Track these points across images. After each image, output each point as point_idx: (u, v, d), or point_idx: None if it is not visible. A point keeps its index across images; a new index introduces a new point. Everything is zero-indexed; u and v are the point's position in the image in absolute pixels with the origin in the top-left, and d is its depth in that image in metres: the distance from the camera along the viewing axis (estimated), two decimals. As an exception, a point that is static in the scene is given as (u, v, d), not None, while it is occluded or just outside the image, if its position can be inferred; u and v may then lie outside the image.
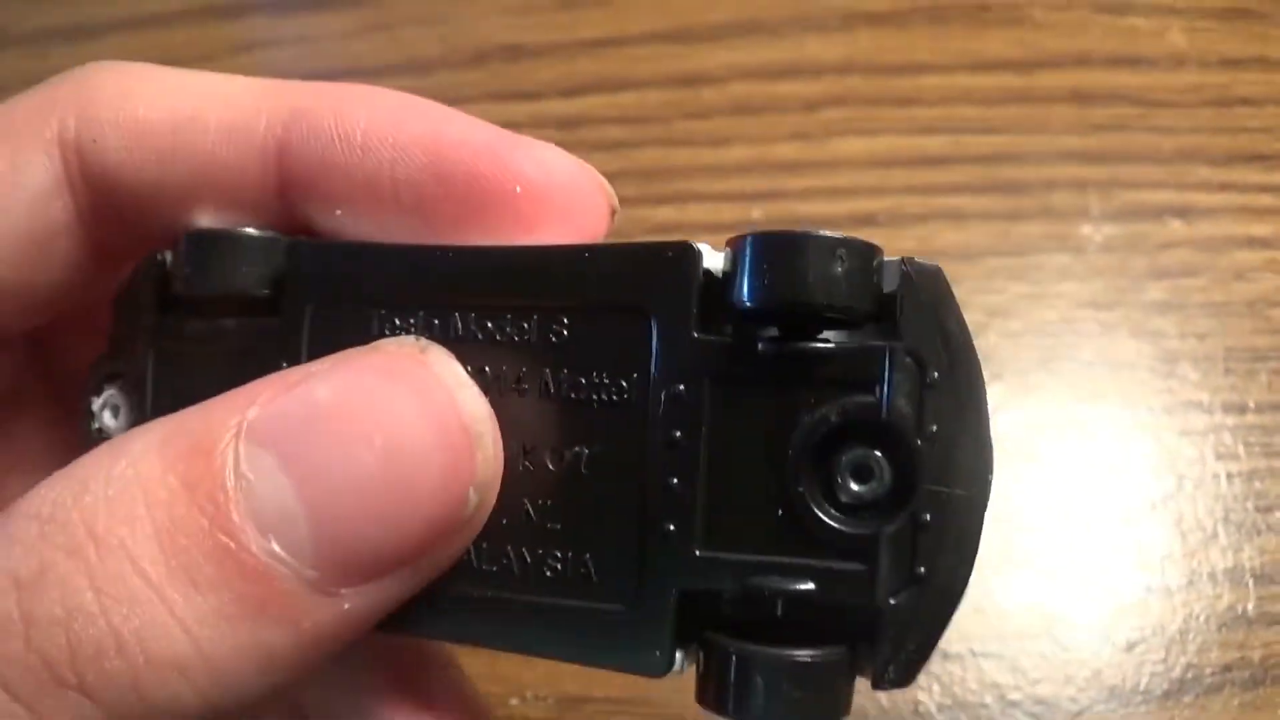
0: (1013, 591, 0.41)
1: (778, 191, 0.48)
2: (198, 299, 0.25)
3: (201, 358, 0.25)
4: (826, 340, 0.21)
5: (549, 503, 0.22)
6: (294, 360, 0.24)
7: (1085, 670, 0.40)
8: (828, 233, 0.21)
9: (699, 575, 0.21)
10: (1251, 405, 0.43)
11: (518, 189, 0.24)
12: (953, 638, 0.40)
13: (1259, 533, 0.41)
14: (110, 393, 0.27)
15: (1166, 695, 0.39)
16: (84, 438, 0.26)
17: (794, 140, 0.49)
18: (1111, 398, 0.44)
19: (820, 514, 0.21)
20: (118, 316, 0.27)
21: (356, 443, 0.20)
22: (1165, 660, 0.40)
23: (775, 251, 0.21)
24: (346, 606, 0.20)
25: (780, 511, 0.21)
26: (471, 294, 0.23)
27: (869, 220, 0.47)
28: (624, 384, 0.22)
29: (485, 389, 0.22)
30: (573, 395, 0.22)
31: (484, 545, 0.22)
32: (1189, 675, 0.39)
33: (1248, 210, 0.47)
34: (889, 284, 0.21)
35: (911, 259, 0.21)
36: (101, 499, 0.20)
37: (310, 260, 0.25)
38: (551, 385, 0.22)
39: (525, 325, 0.23)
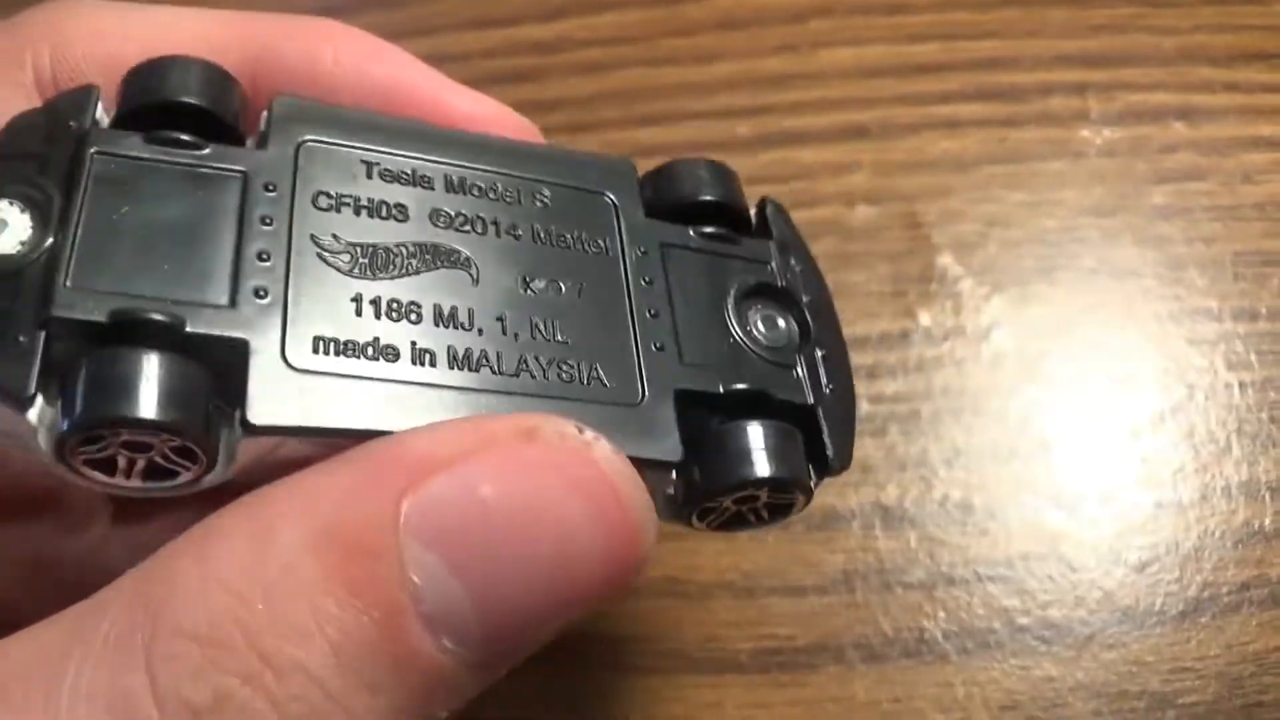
0: (1018, 512, 0.38)
1: (766, 107, 0.45)
2: (148, 114, 0.24)
3: (150, 180, 0.23)
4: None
5: (556, 323, 0.24)
6: (275, 191, 0.23)
7: (1096, 592, 0.37)
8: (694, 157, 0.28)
9: (689, 380, 0.24)
10: (1263, 311, 0.40)
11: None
12: (957, 561, 0.37)
13: (1274, 444, 0.38)
14: None
15: (1182, 616, 0.36)
16: None
17: (781, 53, 0.46)
18: (1116, 307, 0.41)
19: (761, 347, 0.26)
20: (15, 133, 0.23)
21: (526, 545, 0.20)
22: (1180, 580, 0.37)
23: (672, 171, 0.28)
24: (497, 674, 0.21)
25: (731, 341, 0.26)
26: (460, 159, 0.26)
27: (860, 132, 0.44)
28: (600, 241, 0.26)
29: (484, 229, 0.25)
30: (561, 244, 0.25)
31: (500, 355, 0.23)
32: (1205, 595, 0.36)
33: (1253, 110, 0.44)
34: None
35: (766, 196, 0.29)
36: (266, 618, 0.19)
37: (297, 107, 0.25)
38: (542, 237, 0.25)
39: (511, 191, 0.26)
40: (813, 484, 0.25)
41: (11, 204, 0.22)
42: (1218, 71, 0.45)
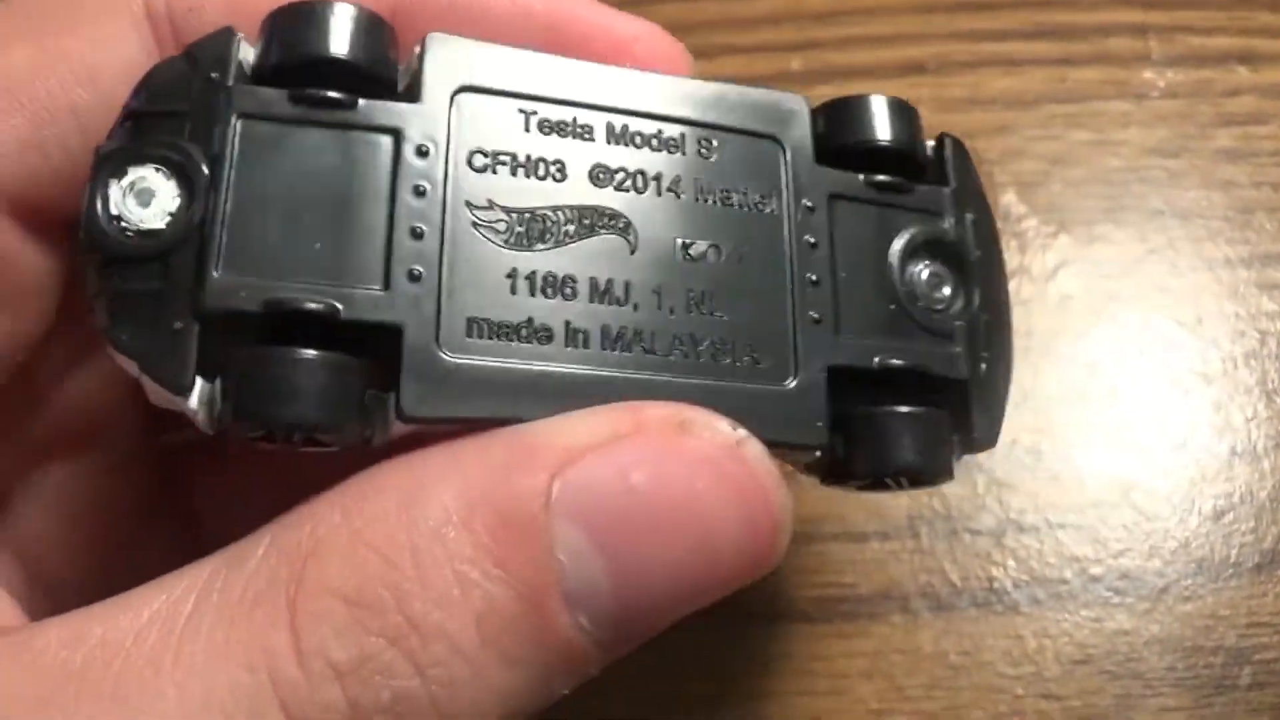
0: (1089, 458, 0.35)
1: (814, 42, 0.42)
2: (293, 67, 0.22)
3: (298, 144, 0.21)
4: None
5: (709, 292, 0.23)
6: (429, 154, 0.22)
7: (1171, 541, 0.34)
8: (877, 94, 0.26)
9: (843, 355, 0.23)
10: (1337, 256, 0.38)
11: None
12: (1026, 507, 0.35)
13: (1355, 389, 0.36)
14: (139, 174, 0.20)
15: (1259, 568, 0.34)
16: (89, 224, 0.20)
17: (826, -11, 0.44)
18: (1184, 249, 0.38)
19: (922, 310, 0.24)
20: (150, 91, 0.21)
21: (672, 534, 0.20)
22: (1255, 530, 0.35)
23: (848, 105, 0.25)
24: (619, 654, 0.21)
25: (892, 307, 0.24)
26: (623, 105, 0.23)
27: (917, 68, 0.41)
28: (763, 197, 0.24)
29: (645, 186, 0.23)
30: (724, 201, 0.23)
31: (654, 334, 0.22)
32: (1283, 545, 0.34)
33: (1314, 55, 0.42)
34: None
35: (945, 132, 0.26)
36: (414, 582, 0.19)
37: (450, 47, 0.23)
38: (706, 194, 0.23)
39: (675, 139, 0.24)
40: (956, 460, 0.24)
41: (158, 170, 0.20)
42: (1277, 17, 0.43)
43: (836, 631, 0.33)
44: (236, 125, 0.21)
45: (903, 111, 0.26)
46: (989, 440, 0.25)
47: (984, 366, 0.25)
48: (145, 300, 0.20)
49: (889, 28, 0.42)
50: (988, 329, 0.25)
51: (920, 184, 0.25)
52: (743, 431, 0.21)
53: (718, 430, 0.21)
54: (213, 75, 0.21)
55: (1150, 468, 0.35)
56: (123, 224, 0.20)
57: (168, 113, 0.21)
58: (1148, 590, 0.34)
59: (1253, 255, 0.38)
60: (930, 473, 0.24)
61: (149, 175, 0.20)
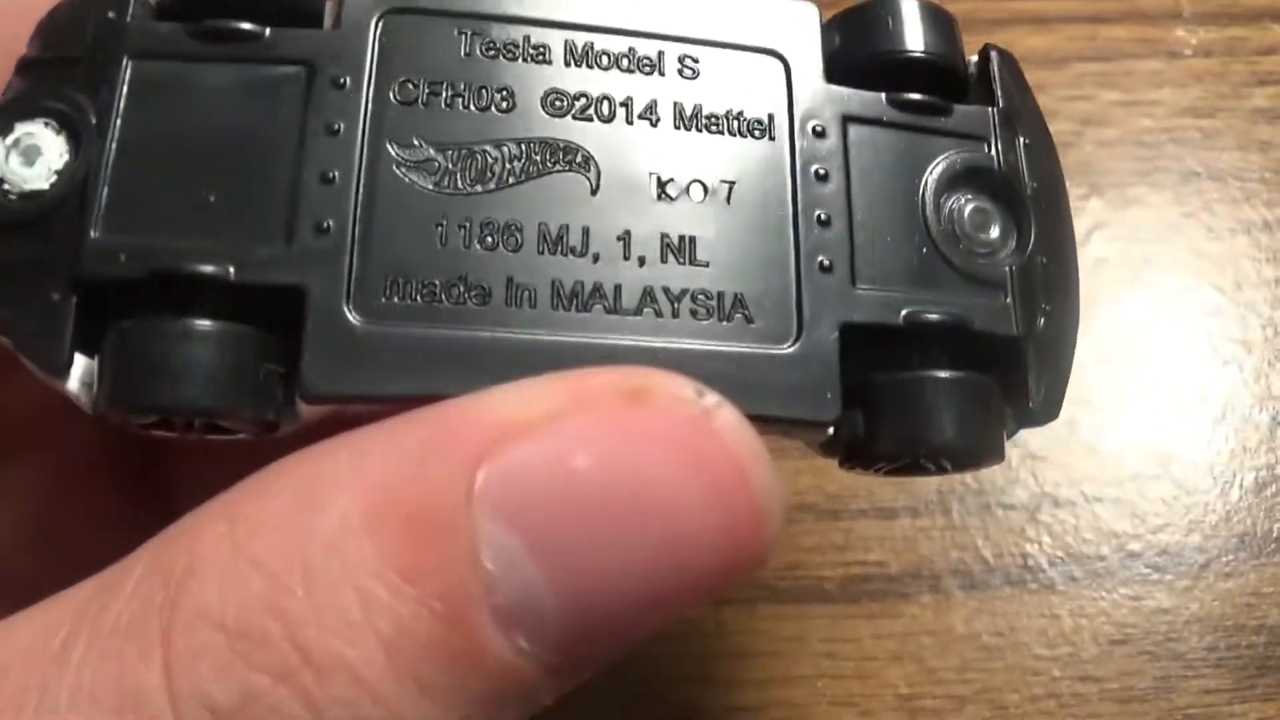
0: (1126, 429, 0.34)
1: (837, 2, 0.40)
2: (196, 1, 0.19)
3: (200, 82, 0.19)
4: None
5: (693, 237, 0.19)
6: (346, 85, 0.19)
7: (1211, 516, 0.33)
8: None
9: (860, 310, 0.19)
10: (1381, 217, 0.36)
11: None
12: (1061, 480, 0.33)
13: (1405, 355, 0.34)
14: (27, 130, 0.18)
15: (1303, 542, 0.32)
16: None
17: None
18: (1221, 211, 0.37)
19: (963, 254, 0.20)
20: (46, 36, 0.19)
21: (626, 531, 0.16)
22: (1300, 502, 0.33)
23: (870, 11, 0.21)
24: (577, 679, 0.17)
25: (924, 250, 0.20)
26: (586, 20, 0.20)
27: (940, 25, 0.39)
28: (762, 121, 0.20)
29: (612, 113, 0.20)
30: (711, 128, 0.20)
31: (619, 287, 0.19)
32: (1333, 518, 0.33)
33: (1349, 13, 0.40)
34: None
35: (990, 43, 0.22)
36: (307, 604, 0.15)
37: None
38: (688, 119, 0.20)
39: (651, 58, 0.20)
40: (1008, 436, 0.21)
41: (47, 124, 0.18)
42: (1311, -27, 0.41)
43: (864, 612, 0.32)
44: (127, 67, 0.18)
45: (937, 17, 0.22)
46: (1050, 412, 0.21)
47: (1042, 321, 0.20)
48: (24, 270, 0.17)
49: (912, -14, 0.40)
50: (1047, 275, 0.21)
51: (960, 105, 0.21)
52: (712, 397, 0.17)
53: (680, 398, 0.17)
54: (110, 15, 0.19)
55: (1190, 439, 0.34)
56: (5, 186, 0.18)
57: (62, 59, 0.19)
58: (1188, 567, 0.32)
59: (1293, 218, 0.36)
60: (974, 452, 0.20)
61: (37, 131, 0.18)
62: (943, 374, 0.20)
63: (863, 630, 0.31)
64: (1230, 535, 0.33)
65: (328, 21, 0.19)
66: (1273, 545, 0.32)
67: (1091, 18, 0.39)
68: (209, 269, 0.17)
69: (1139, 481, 0.33)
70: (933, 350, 0.20)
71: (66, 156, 0.18)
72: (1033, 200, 0.21)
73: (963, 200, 0.21)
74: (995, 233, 0.21)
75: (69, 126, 0.18)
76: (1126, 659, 0.31)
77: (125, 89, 0.18)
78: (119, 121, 0.18)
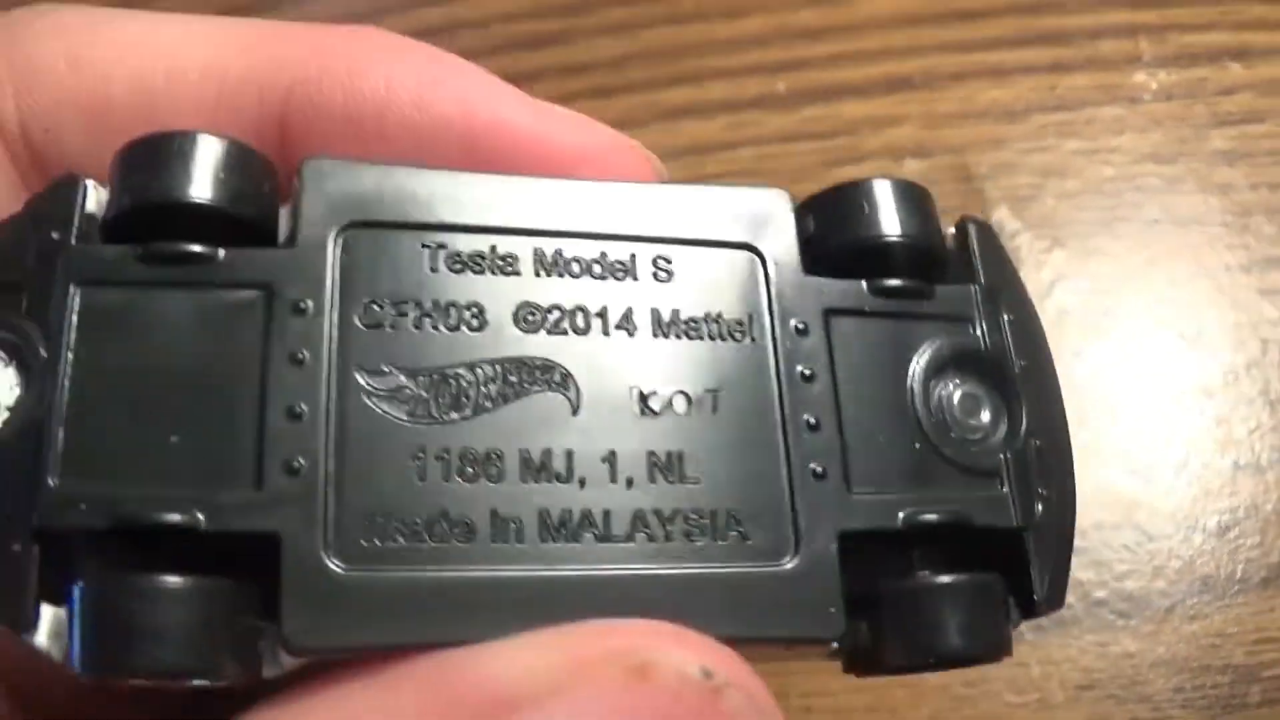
0: (1088, 479, 0.34)
1: (801, 61, 0.41)
2: (147, 216, 0.18)
3: (152, 310, 0.17)
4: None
5: (680, 453, 0.18)
6: (308, 310, 0.18)
7: (1175, 561, 0.33)
8: (879, 177, 0.21)
9: (858, 517, 0.18)
10: (1339, 257, 0.37)
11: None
12: (1027, 535, 0.33)
13: (1360, 398, 0.35)
14: None
15: (1265, 583, 0.33)
16: None
17: (813, 4, 0.42)
18: (1182, 257, 0.37)
19: (956, 444, 0.19)
20: None
21: None
22: (1261, 544, 0.34)
23: (843, 197, 0.20)
24: None
25: (916, 445, 0.19)
26: (554, 225, 0.19)
27: (904, 83, 0.40)
28: (742, 321, 0.19)
29: (587, 325, 0.19)
30: (690, 334, 0.19)
31: (608, 513, 0.18)
32: (1292, 561, 0.33)
33: (1310, 47, 0.40)
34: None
35: (966, 215, 0.21)
36: None
37: (332, 176, 0.18)
38: (665, 326, 0.19)
39: (624, 262, 0.19)
40: (1012, 629, 0.19)
41: None
42: (1271, 8, 0.41)
43: (837, 666, 0.32)
44: (75, 295, 0.17)
45: (911, 195, 0.21)
46: (1054, 602, 0.19)
47: (1040, 508, 0.19)
48: None
49: (876, 42, 0.41)
50: (1042, 458, 0.20)
51: (941, 284, 0.20)
52: (722, 675, 0.16)
53: (687, 677, 0.15)
54: (53, 235, 0.17)
55: (1153, 486, 0.34)
56: None
57: (3, 284, 0.17)
58: (1152, 611, 0.33)
59: (1252, 261, 0.37)
60: (983, 655, 0.19)
61: None
62: (948, 579, 0.19)
63: (836, 684, 0.32)
64: (1194, 579, 0.33)
65: (282, 236, 0.18)
66: (1236, 587, 0.33)
67: (1051, 66, 0.40)
68: (177, 517, 0.16)
69: (1102, 530, 0.34)
70: (933, 550, 0.19)
71: (17, 390, 0.17)
72: (1021, 379, 0.20)
73: (951, 386, 0.20)
74: (986, 417, 0.20)
75: (17, 357, 0.17)
76: (1094, 703, 0.32)
77: (75, 318, 0.17)
78: (70, 355, 0.17)
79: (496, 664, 0.16)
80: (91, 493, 0.16)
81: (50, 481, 0.16)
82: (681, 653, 0.16)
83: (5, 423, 0.16)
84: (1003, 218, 0.37)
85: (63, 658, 0.16)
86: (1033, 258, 0.37)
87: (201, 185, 0.18)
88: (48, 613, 0.16)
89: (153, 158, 0.18)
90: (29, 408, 0.16)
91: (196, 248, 0.17)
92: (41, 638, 0.16)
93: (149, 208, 0.18)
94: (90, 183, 0.18)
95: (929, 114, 0.39)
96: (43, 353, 0.17)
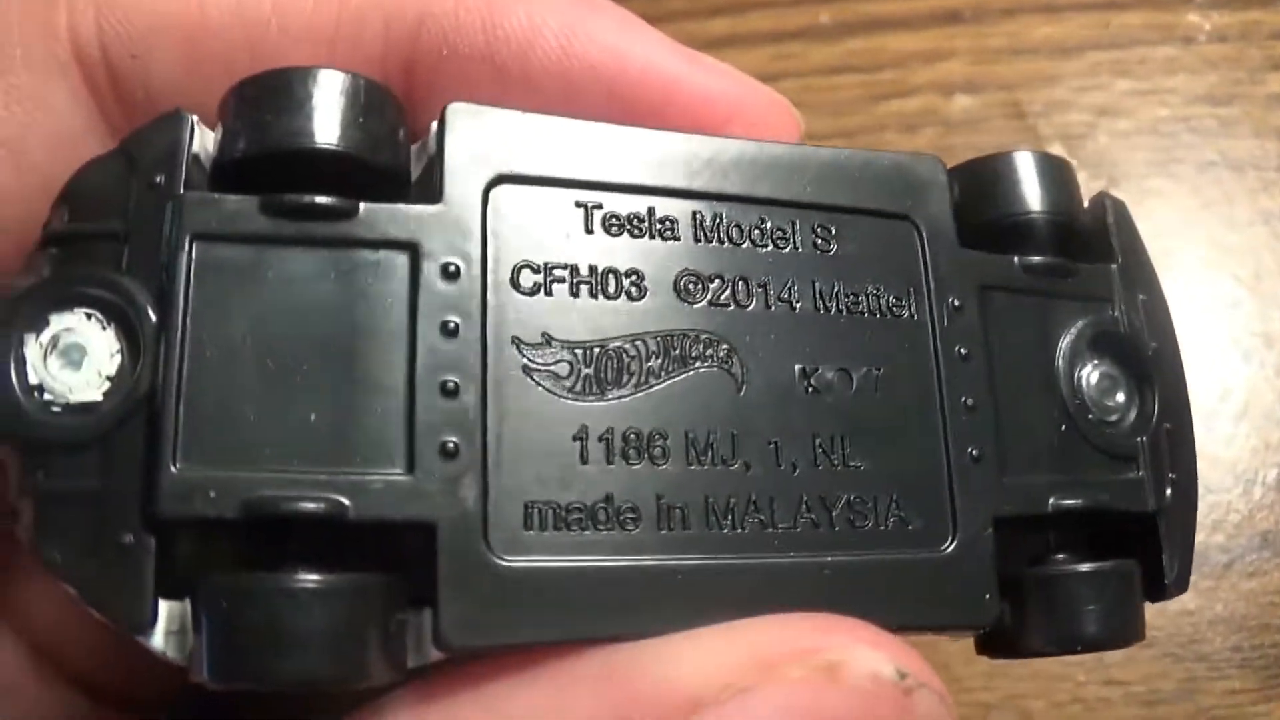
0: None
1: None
2: (268, 163, 0.16)
3: (282, 269, 0.15)
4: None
5: (842, 435, 0.17)
6: (459, 275, 0.16)
7: (1234, 515, 0.32)
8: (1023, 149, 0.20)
9: (1011, 501, 0.18)
10: (1404, 203, 0.35)
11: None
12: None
13: None
14: (65, 324, 0.14)
15: (1327, 538, 0.32)
16: (2, 397, 0.14)
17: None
18: (1239, 202, 0.35)
19: (1095, 426, 0.19)
20: (75, 203, 0.15)
21: None
22: (1324, 498, 0.32)
23: (991, 169, 0.20)
24: None
25: (1062, 427, 0.18)
26: (713, 188, 0.17)
27: (953, 18, 0.38)
28: (900, 298, 0.18)
29: (750, 297, 0.17)
30: (850, 311, 0.18)
31: (774, 500, 0.16)
32: (1359, 515, 0.32)
33: (1365, -10, 0.39)
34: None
35: (1103, 191, 0.21)
36: None
37: (480, 124, 0.16)
38: (827, 300, 0.18)
39: (786, 231, 0.18)
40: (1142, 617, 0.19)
41: (90, 316, 0.15)
42: (1325, -49, 0.40)
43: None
44: (191, 250, 0.15)
45: (1058, 170, 0.20)
46: (1182, 585, 0.19)
47: (1169, 492, 0.19)
48: (82, 504, 0.14)
49: (921, -25, 0.39)
50: (1172, 442, 0.19)
51: (1084, 263, 0.20)
52: (913, 676, 0.15)
53: (880, 677, 0.15)
54: (157, 179, 0.15)
55: (1211, 437, 0.33)
56: (46, 396, 0.14)
57: (100, 234, 0.15)
58: (1211, 568, 0.31)
59: (1312, 206, 0.35)
60: (1120, 640, 0.18)
61: (78, 325, 0.15)
62: (1091, 567, 0.18)
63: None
64: (1253, 534, 0.32)
65: (416, 188, 0.16)
66: (1297, 542, 0.32)
67: (1104, 5, 0.38)
68: (319, 506, 0.14)
69: (1161, 481, 0.32)
70: (1071, 534, 0.19)
71: (119, 358, 0.15)
72: (1153, 362, 0.20)
73: (1092, 364, 0.19)
74: (1121, 398, 0.19)
75: (119, 320, 0.15)
76: (1151, 662, 0.30)
77: (192, 275, 0.15)
78: (188, 320, 0.15)
79: (675, 663, 0.14)
80: (219, 478, 0.14)
81: (171, 466, 0.14)
82: (873, 652, 0.15)
83: (106, 394, 0.14)
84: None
85: (185, 661, 0.14)
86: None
87: (332, 130, 0.16)
88: (165, 610, 0.14)
89: (276, 97, 0.16)
90: (137, 378, 0.14)
91: (331, 200, 0.15)
92: (157, 639, 0.14)
93: (273, 154, 0.15)
94: (195, 119, 0.16)
95: (979, 49, 0.37)
96: (152, 315, 0.15)
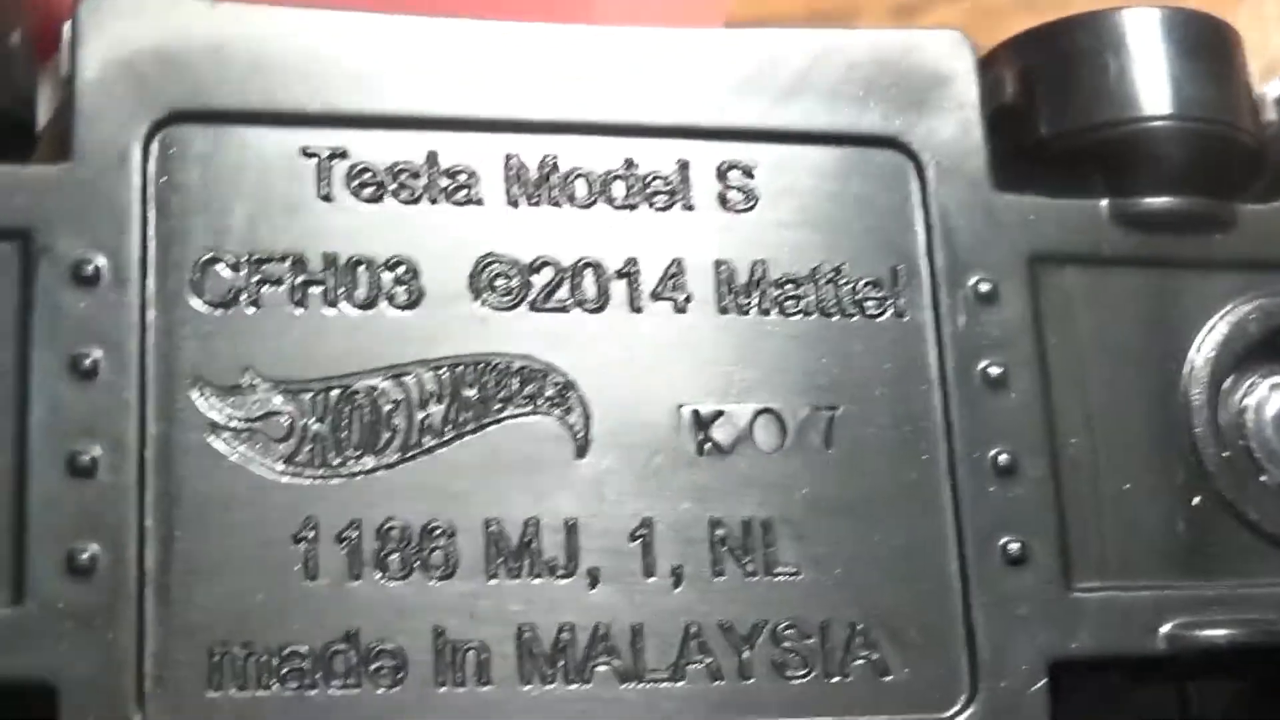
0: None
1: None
2: None
3: None
4: None
5: (767, 521, 0.11)
6: (102, 273, 0.11)
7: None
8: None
9: (1085, 631, 0.11)
10: None
11: None
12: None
13: None
14: None
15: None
16: None
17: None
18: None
19: (1263, 494, 0.11)
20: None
21: None
22: None
23: (1065, 43, 0.13)
24: None
25: (1195, 500, 0.12)
26: (540, 113, 0.12)
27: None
28: (878, 283, 0.12)
29: (601, 296, 0.11)
30: (783, 309, 0.12)
31: (639, 628, 0.11)
32: None
33: None
34: None
35: None
36: None
37: (133, 24, 0.11)
38: (741, 289, 0.12)
39: (667, 177, 0.12)
40: None
41: None
42: None
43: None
44: None
45: (1206, 40, 0.13)
46: None
47: None
48: None
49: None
50: None
51: (1244, 205, 0.13)
52: None
53: None
54: None
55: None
56: None
57: None
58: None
59: None
60: None
61: None
62: None
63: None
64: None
65: (42, 139, 0.11)
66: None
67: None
68: None
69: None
70: (1214, 687, 0.12)
71: None
72: None
73: (1259, 383, 0.12)
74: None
75: None
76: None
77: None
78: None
79: None
80: None
81: None
82: None
83: None
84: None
85: None
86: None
87: None
88: None
89: None
90: None
91: None
92: None
93: None
94: None
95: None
96: None
